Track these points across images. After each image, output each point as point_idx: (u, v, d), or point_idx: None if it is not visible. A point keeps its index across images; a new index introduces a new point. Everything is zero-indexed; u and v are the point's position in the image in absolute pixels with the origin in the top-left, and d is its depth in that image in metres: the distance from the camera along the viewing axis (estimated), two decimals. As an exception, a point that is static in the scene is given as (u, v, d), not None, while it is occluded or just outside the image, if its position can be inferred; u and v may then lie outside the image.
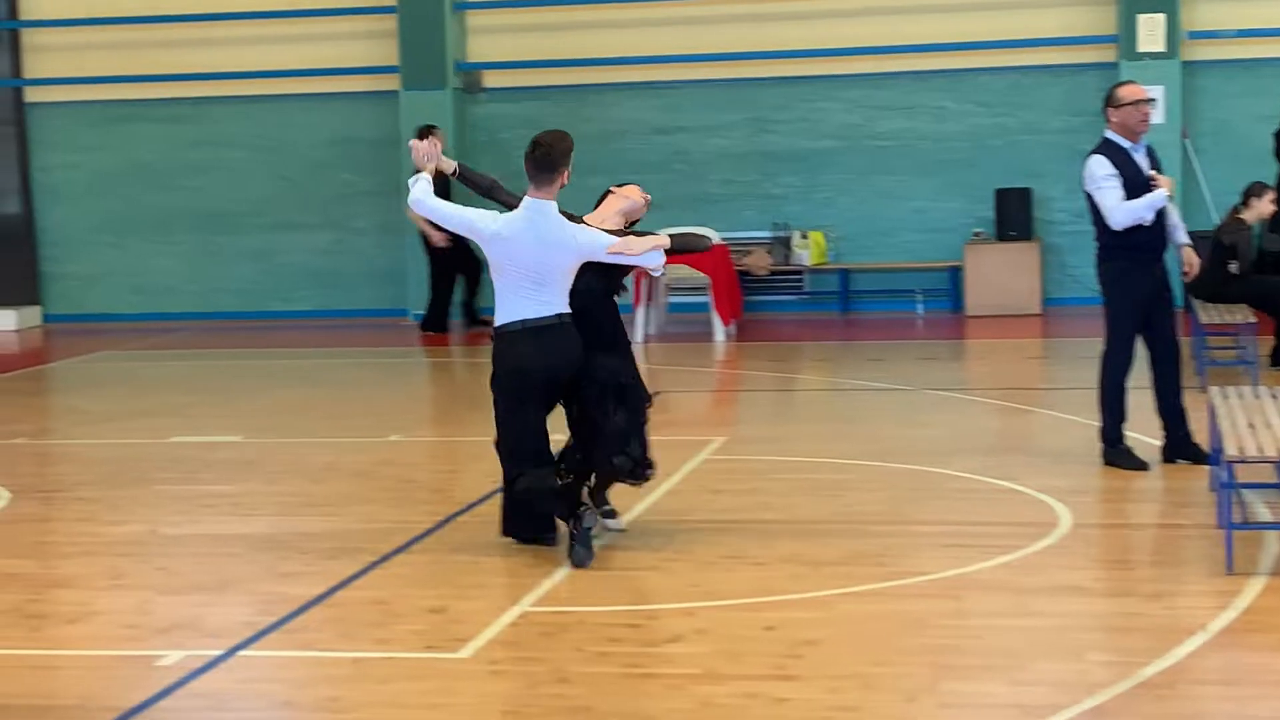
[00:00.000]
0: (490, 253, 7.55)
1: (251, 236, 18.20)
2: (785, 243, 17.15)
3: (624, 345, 7.88)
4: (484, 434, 11.00)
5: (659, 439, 10.56)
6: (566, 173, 7.73)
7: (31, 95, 18.55)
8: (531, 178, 7.57)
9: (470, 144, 17.68)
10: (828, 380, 13.49)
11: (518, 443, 7.54)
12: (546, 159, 7.56)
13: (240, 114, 18.25)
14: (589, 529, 7.35)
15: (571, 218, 7.71)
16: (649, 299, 15.50)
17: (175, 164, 18.36)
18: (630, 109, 17.60)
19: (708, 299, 15.48)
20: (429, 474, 9.61)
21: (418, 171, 7.84)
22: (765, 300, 17.47)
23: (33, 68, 18.59)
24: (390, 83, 17.67)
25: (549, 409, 7.62)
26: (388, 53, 17.70)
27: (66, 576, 7.53)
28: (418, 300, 17.31)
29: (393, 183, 17.66)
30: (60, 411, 12.98)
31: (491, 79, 17.83)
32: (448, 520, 8.27)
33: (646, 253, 7.76)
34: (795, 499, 8.53)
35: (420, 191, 7.63)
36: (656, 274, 8.47)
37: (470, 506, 8.51)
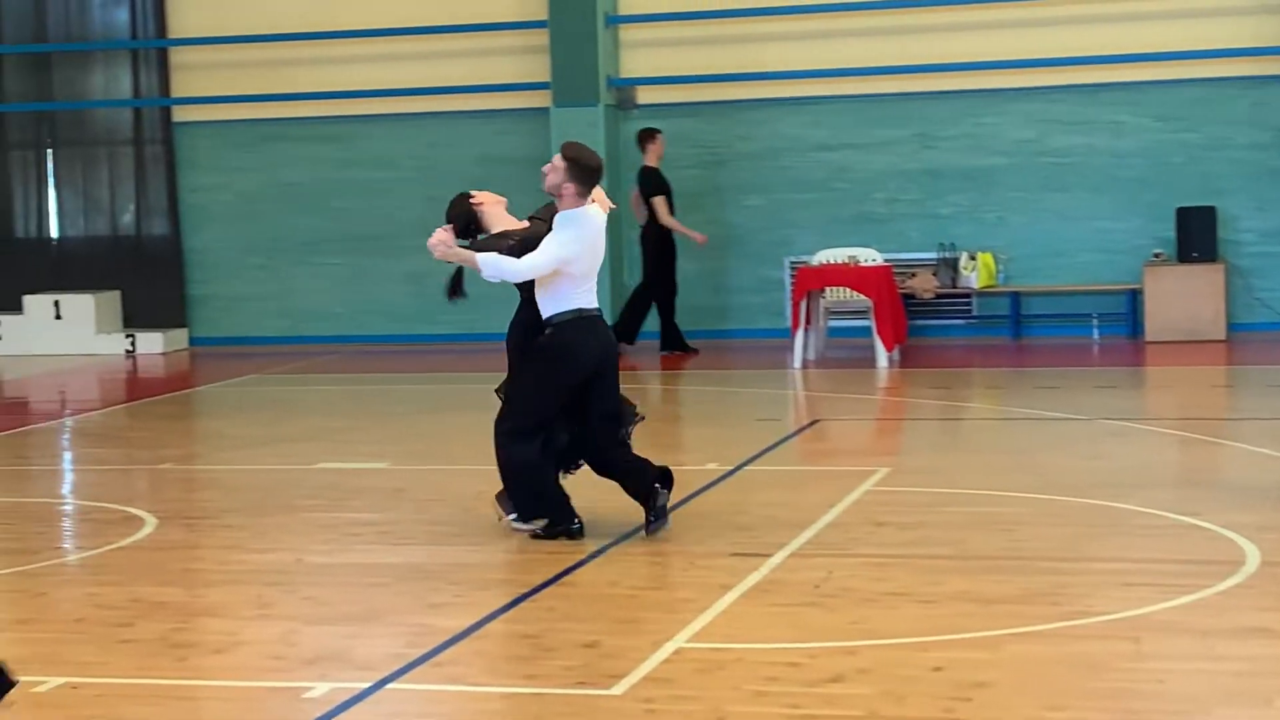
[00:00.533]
0: (577, 269, 8.44)
1: (401, 258, 18.44)
2: (952, 264, 17.01)
3: None
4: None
5: (819, 469, 10.55)
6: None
7: (179, 114, 18.99)
8: (582, 189, 8.50)
9: (622, 162, 17.78)
10: (998, 409, 13.34)
11: (543, 416, 8.43)
12: (589, 171, 8.51)
13: (389, 133, 18.53)
14: (663, 505, 8.40)
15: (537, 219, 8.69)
16: (808, 322, 15.46)
17: (323, 184, 18.68)
18: (790, 125, 17.59)
19: (870, 323, 15.40)
20: (580, 503, 9.64)
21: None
22: (931, 325, 17.33)
23: (180, 86, 19.03)
24: (541, 99, 17.83)
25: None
26: (538, 68, 17.87)
27: (212, 605, 7.67)
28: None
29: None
30: (206, 436, 13.25)
31: (645, 95, 17.92)
32: (600, 552, 8.30)
33: None
34: (963, 533, 8.44)
35: (489, 264, 8.42)
36: None
37: (624, 537, 8.53)
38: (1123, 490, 9.27)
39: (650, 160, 16.50)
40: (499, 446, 8.61)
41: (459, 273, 8.86)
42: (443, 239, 8.56)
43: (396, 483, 10.37)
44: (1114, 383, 14.29)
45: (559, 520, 8.55)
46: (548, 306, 8.52)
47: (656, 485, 8.43)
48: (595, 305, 8.54)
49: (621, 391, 8.67)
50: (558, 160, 8.56)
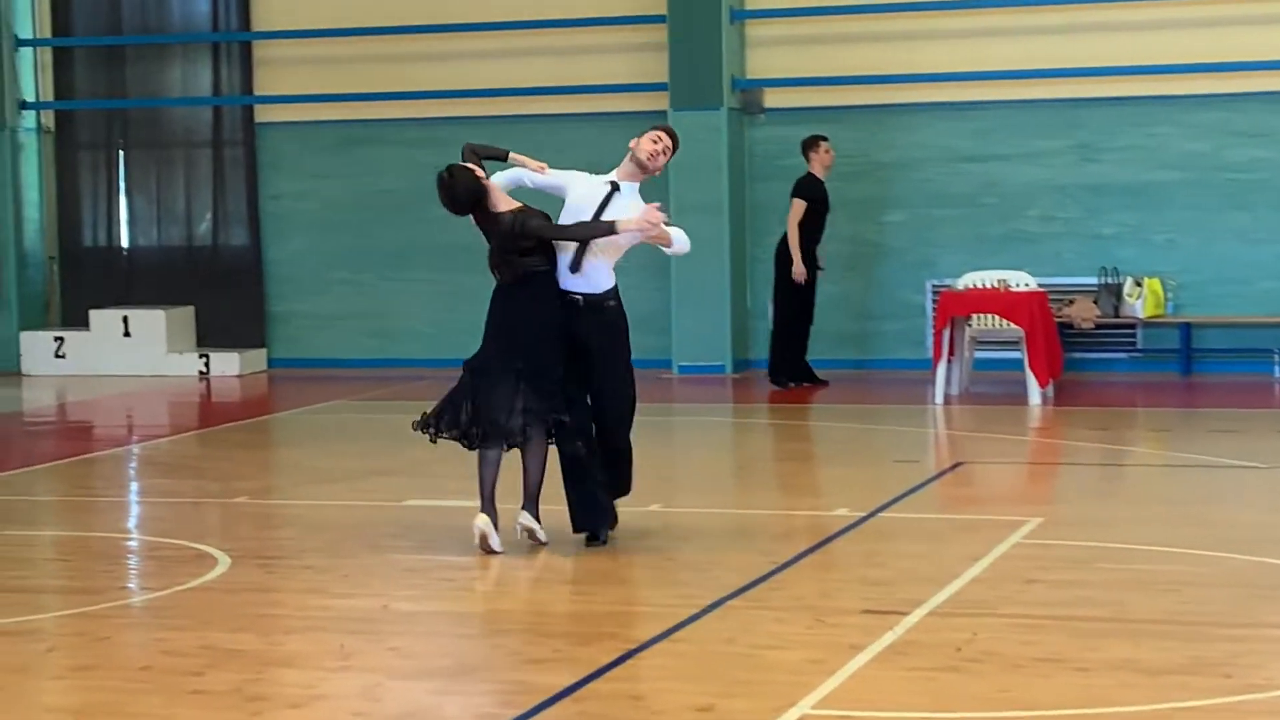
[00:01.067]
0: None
1: (500, 274, 18.52)
2: (1115, 291, 16.86)
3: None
4: (756, 507, 11.06)
5: (962, 518, 10.47)
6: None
7: (262, 114, 19.23)
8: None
9: (748, 171, 17.79)
10: (1165, 454, 13.19)
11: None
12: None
13: (490, 136, 18.49)
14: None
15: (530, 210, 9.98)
16: (951, 353, 15.38)
17: (416, 192, 18.75)
18: (934, 133, 17.53)
19: (1021, 355, 15.29)
20: (693, 551, 9.64)
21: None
22: (1090, 358, 17.19)
23: (264, 84, 19.28)
24: (658, 102, 17.89)
25: None
26: (656, 68, 17.93)
27: (290, 655, 7.73)
28: (683, 350, 17.44)
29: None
30: (285, 468, 13.38)
31: (773, 98, 17.93)
32: (715, 605, 8.29)
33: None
34: (1124, 594, 8.35)
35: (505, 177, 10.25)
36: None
37: (741, 590, 8.52)
38: (1306, 549, 9.15)
39: (815, 170, 16.39)
40: (628, 428, 9.70)
41: (583, 248, 9.66)
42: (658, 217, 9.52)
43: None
44: (1297, 427, 14.10)
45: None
46: (608, 279, 9.68)
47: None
48: None
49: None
50: (669, 141, 9.87)
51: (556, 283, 9.73)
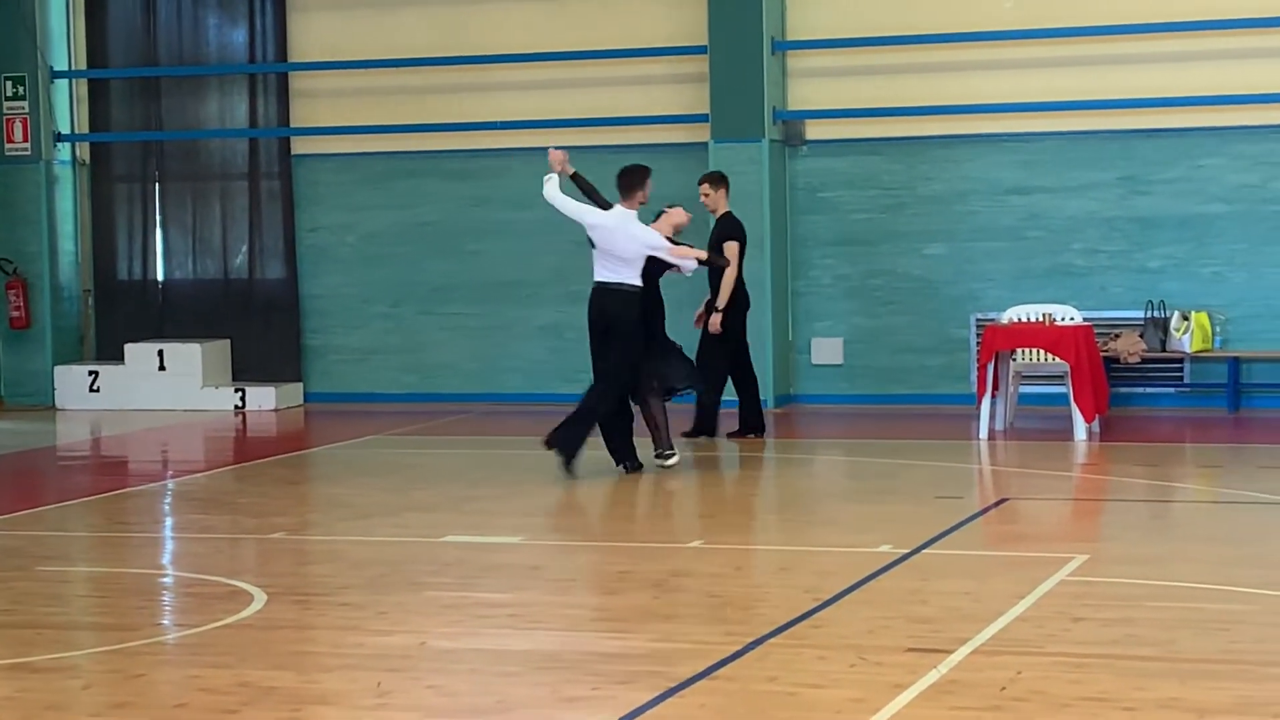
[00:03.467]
0: (593, 236, 13.35)
1: (541, 309, 18.61)
2: (1162, 325, 16.83)
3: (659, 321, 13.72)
4: (799, 543, 11.06)
5: (1007, 555, 10.46)
6: (643, 194, 13.38)
7: (299, 146, 19.34)
8: (621, 194, 13.33)
9: (790, 202, 17.82)
10: (1214, 491, 13.15)
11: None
12: (629, 184, 13.35)
13: (529, 169, 18.66)
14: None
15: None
16: (996, 388, 15.36)
17: (457, 225, 18.91)
18: (978, 165, 17.53)
19: (1067, 390, 15.26)
20: (736, 588, 9.65)
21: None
22: (1137, 393, 17.15)
23: (301, 115, 19.38)
24: (699, 133, 17.95)
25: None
26: (697, 99, 17.99)
27: (327, 692, 7.75)
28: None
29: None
30: (322, 503, 13.43)
31: (815, 129, 17.97)
32: (757, 643, 8.29)
33: (685, 257, 13.42)
34: (1173, 632, 8.32)
35: (552, 187, 13.47)
36: (687, 273, 13.89)
37: (783, 628, 8.52)
38: (1359, 587, 9.10)
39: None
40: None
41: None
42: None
43: (532, 560, 10.44)
44: (1349, 463, 14.03)
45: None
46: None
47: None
48: (616, 279, 13.39)
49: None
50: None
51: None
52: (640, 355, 13.43)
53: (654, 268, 13.40)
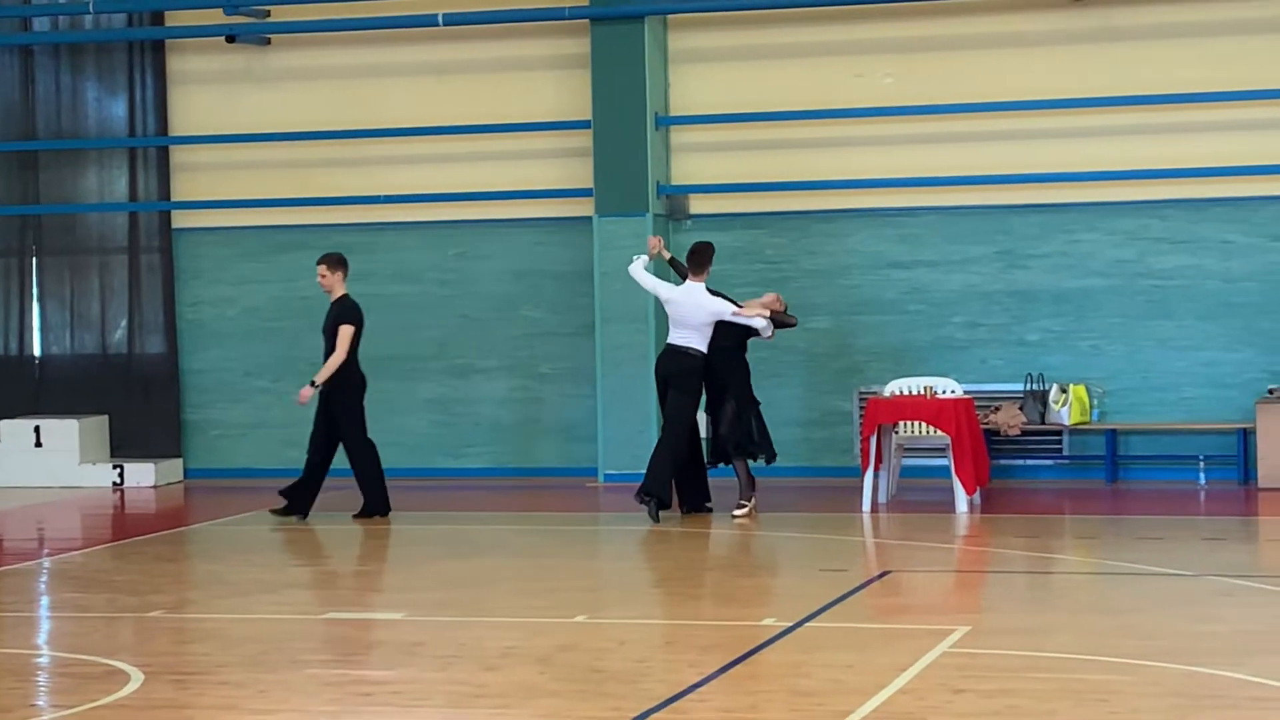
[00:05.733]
0: (668, 309, 15.16)
1: (424, 382, 18.56)
2: (1041, 398, 17.01)
3: (740, 385, 15.14)
4: (684, 617, 11.06)
5: (890, 627, 10.51)
6: (709, 269, 15.07)
7: (180, 220, 19.22)
8: (691, 270, 15.08)
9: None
10: (1092, 562, 13.28)
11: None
12: (699, 261, 15.09)
13: (412, 242, 18.72)
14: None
15: (714, 293, 15.07)
16: (879, 461, 15.46)
17: (338, 299, 18.80)
18: (860, 240, 17.70)
19: (948, 462, 15.39)
20: (620, 662, 9.64)
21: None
22: (1017, 465, 17.31)
23: (182, 189, 19.27)
24: (583, 208, 18.01)
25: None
26: (580, 174, 18.06)
27: (205, 772, 7.67)
28: (610, 458, 17.49)
29: (584, 321, 17.93)
30: (201, 581, 13.29)
31: (699, 204, 18.08)
32: (640, 718, 8.28)
33: (754, 316, 14.87)
34: (1053, 704, 8.39)
35: (638, 266, 15.27)
36: (765, 336, 15.12)
37: (667, 702, 8.52)
38: (1236, 657, 9.20)
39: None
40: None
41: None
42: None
43: (413, 636, 10.37)
44: (1223, 534, 14.21)
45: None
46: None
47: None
48: (684, 344, 15.01)
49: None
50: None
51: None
52: (691, 412, 15.05)
53: (735, 334, 14.91)
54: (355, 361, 15.38)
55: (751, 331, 15.00)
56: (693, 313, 14.86)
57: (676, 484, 15.14)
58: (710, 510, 15.18)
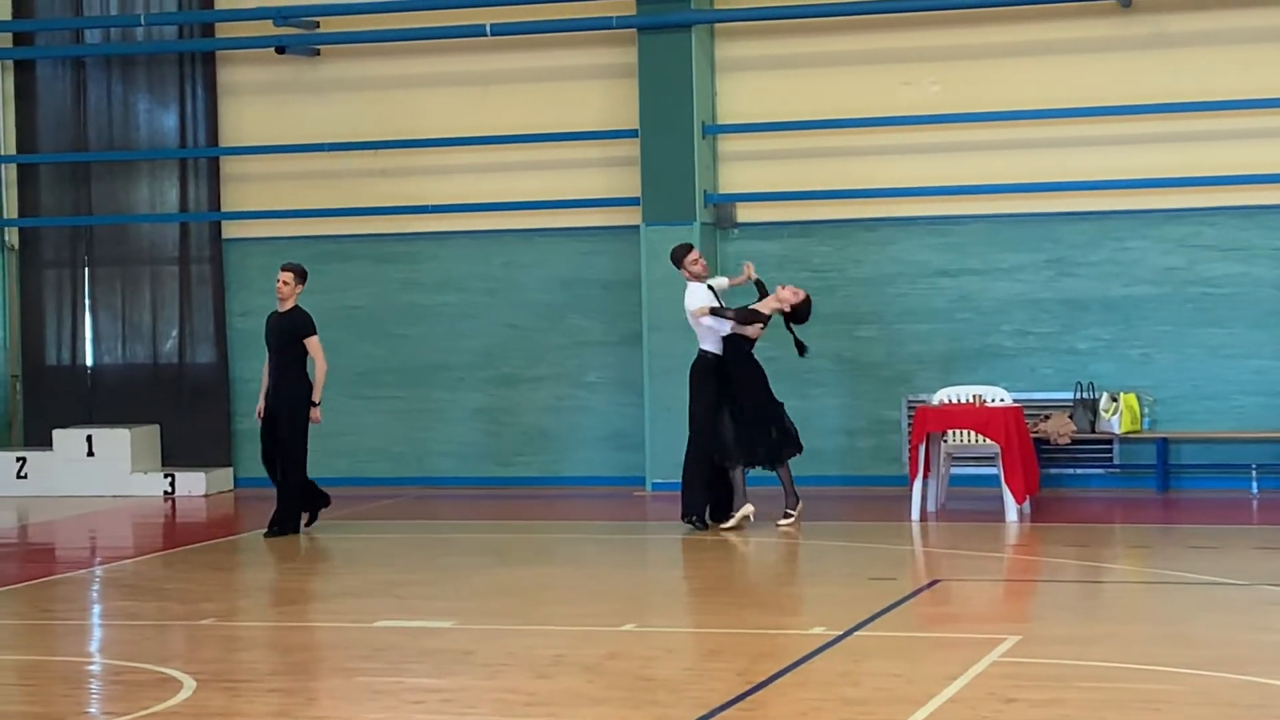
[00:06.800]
0: None
1: (471, 392, 18.60)
2: (1091, 406, 16.95)
3: (743, 390, 14.88)
4: (733, 626, 11.06)
5: (939, 636, 10.48)
6: (684, 268, 14.99)
7: (230, 230, 19.31)
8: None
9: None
10: (1143, 571, 13.22)
11: None
12: (672, 260, 15.09)
13: (460, 252, 18.76)
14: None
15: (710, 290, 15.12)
16: (927, 469, 15.42)
17: (386, 308, 18.89)
18: (907, 248, 17.66)
19: (997, 470, 15.34)
20: (668, 671, 9.65)
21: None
22: (1067, 474, 17.24)
23: (232, 200, 19.36)
24: (630, 216, 18.03)
25: None
26: (628, 183, 18.08)
27: (257, 779, 7.71)
28: (657, 467, 17.48)
29: (631, 330, 17.94)
30: (252, 589, 13.35)
31: (746, 213, 18.08)
32: (691, 727, 8.29)
33: (723, 319, 14.82)
34: (1103, 713, 8.36)
35: (720, 281, 15.41)
36: (750, 334, 14.86)
37: (715, 711, 8.52)
38: (1287, 666, 9.18)
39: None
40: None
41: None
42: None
43: (464, 644, 10.40)
44: (1275, 543, 14.13)
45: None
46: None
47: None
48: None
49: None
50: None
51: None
52: (706, 417, 14.77)
53: (735, 335, 14.82)
54: (307, 375, 15.20)
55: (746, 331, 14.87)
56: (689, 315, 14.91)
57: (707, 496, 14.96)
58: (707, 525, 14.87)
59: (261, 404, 15.27)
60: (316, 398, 15.18)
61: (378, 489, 18.42)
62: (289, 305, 15.30)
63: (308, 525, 15.31)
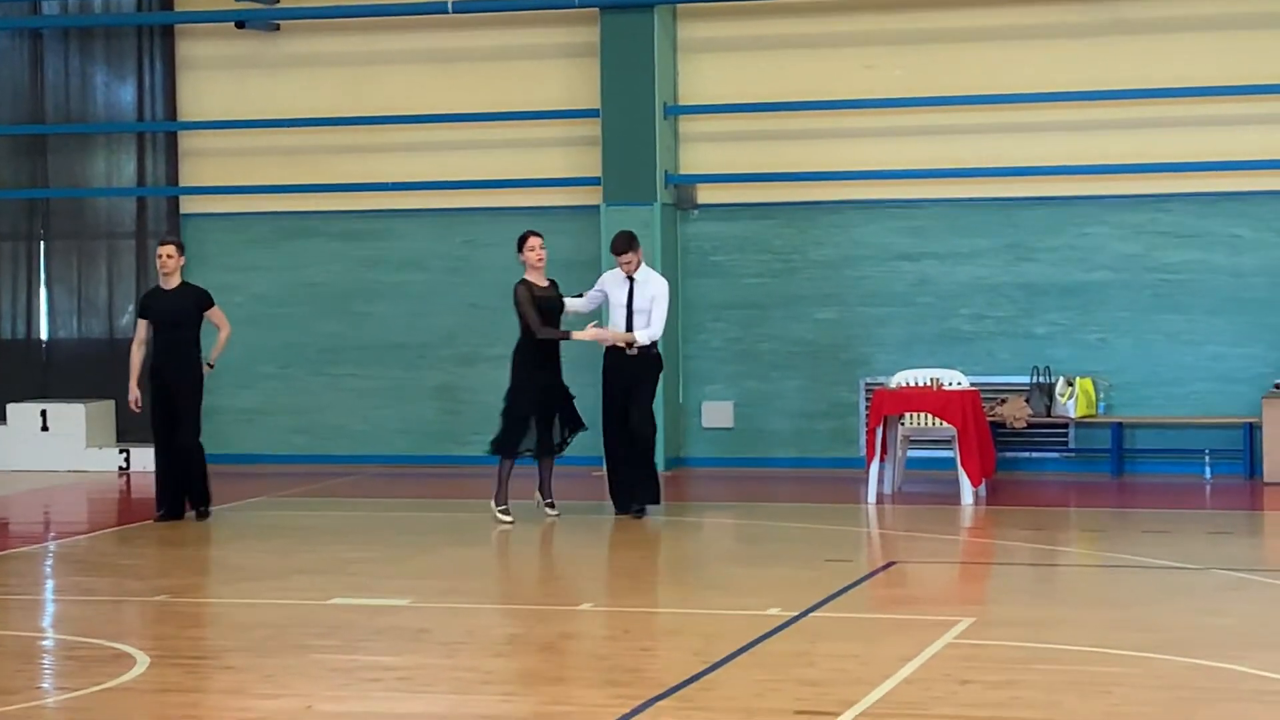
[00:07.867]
0: None
1: (432, 371, 18.58)
2: (1047, 391, 17.02)
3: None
4: (688, 606, 11.09)
5: (895, 618, 10.52)
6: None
7: (188, 205, 19.24)
8: None
9: (681, 266, 17.90)
10: (1097, 555, 13.29)
11: None
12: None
13: (420, 230, 18.73)
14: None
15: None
16: (884, 452, 15.47)
17: (348, 286, 18.85)
18: (868, 231, 17.70)
19: (954, 453, 15.40)
20: (625, 650, 9.66)
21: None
22: (1022, 458, 17.32)
23: (190, 174, 19.29)
24: (591, 196, 18.02)
25: None
26: (588, 163, 18.06)
27: (211, 755, 7.69)
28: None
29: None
30: (208, 566, 13.31)
31: (707, 194, 18.08)
32: (646, 706, 8.30)
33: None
34: (1057, 695, 8.40)
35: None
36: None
37: (671, 691, 8.53)
38: (1238, 650, 9.21)
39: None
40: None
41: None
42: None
43: (420, 623, 10.39)
44: (1229, 528, 14.22)
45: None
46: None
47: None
48: None
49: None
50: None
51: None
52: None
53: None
54: (200, 349, 14.75)
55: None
56: None
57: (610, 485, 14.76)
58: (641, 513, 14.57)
59: (135, 392, 14.65)
60: (215, 359, 14.77)
61: (337, 466, 18.39)
62: (175, 281, 14.68)
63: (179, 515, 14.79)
